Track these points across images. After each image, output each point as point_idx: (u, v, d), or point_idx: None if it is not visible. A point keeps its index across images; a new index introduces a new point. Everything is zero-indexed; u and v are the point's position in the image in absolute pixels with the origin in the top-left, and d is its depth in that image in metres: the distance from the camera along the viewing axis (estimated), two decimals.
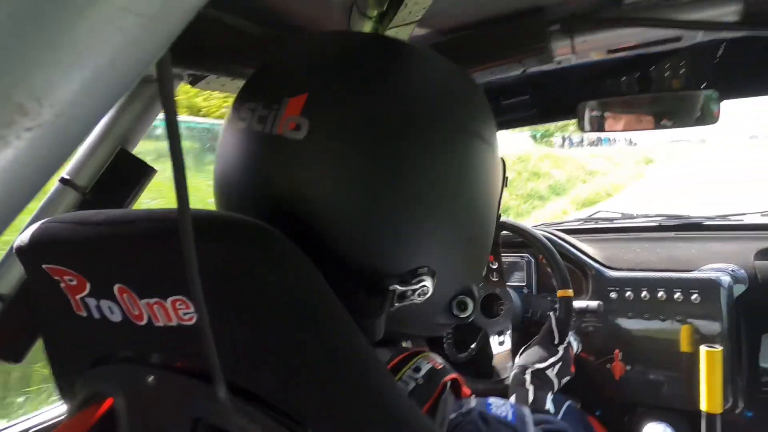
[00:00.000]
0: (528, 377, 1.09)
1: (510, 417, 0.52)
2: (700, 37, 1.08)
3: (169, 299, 0.45)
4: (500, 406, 0.53)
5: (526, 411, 0.55)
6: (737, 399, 1.34)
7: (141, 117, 0.88)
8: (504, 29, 1.07)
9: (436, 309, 0.56)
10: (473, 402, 0.53)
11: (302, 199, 0.49)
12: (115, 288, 0.47)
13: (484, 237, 0.58)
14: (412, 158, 0.49)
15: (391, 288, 0.49)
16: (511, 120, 1.65)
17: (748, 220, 1.67)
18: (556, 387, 1.10)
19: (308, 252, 0.44)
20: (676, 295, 1.38)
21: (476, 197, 0.54)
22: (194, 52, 0.75)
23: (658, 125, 1.34)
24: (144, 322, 0.47)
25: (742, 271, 1.40)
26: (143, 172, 0.90)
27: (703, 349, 1.18)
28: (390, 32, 0.88)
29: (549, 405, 1.06)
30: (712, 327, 1.33)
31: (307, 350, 0.43)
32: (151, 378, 0.49)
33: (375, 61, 0.53)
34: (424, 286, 0.51)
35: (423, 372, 0.51)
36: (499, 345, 1.37)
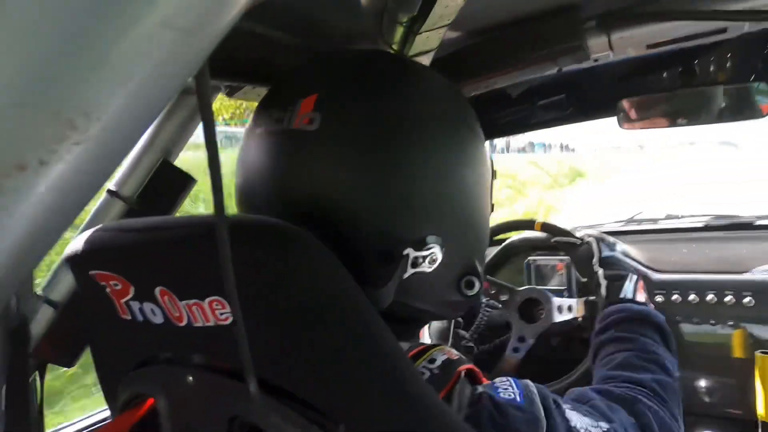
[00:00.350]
0: (599, 271, 1.15)
1: (518, 399, 0.52)
2: (747, 27, 1.03)
3: (207, 300, 0.47)
4: (507, 388, 0.54)
5: (532, 387, 0.55)
6: None
7: (182, 128, 0.91)
8: (537, 28, 1.05)
9: (445, 282, 0.60)
10: (480, 387, 0.54)
11: (320, 183, 0.54)
12: (157, 290, 0.50)
13: (482, 218, 0.63)
14: (414, 143, 0.55)
15: (405, 252, 0.54)
16: (546, 120, 1.62)
17: None
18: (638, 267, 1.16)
19: (329, 231, 0.50)
20: (727, 298, 1.32)
21: (470, 179, 0.59)
22: (230, 63, 0.78)
23: (701, 120, 1.29)
24: (184, 323, 0.49)
25: None
26: (184, 181, 0.93)
27: (758, 355, 1.13)
28: (421, 36, 0.88)
29: (628, 289, 1.06)
30: (766, 331, 1.27)
31: (338, 348, 0.45)
32: (190, 378, 0.51)
33: (379, 67, 0.60)
34: (433, 252, 0.56)
35: (438, 363, 0.53)
36: (513, 352, 1.34)
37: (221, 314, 0.47)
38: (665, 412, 0.72)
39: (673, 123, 1.31)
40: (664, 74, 1.38)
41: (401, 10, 0.80)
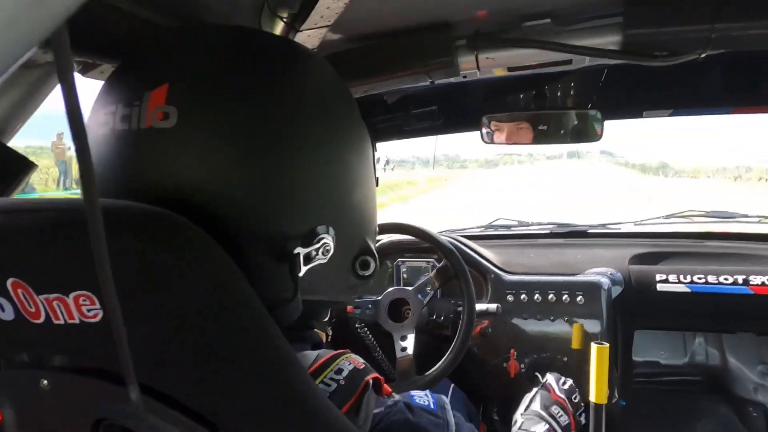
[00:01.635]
0: (519, 422, 1.16)
1: (432, 406, 0.55)
2: (588, 61, 1.19)
3: (72, 295, 0.41)
4: (422, 397, 0.56)
5: (445, 399, 0.58)
6: (613, 389, 1.48)
7: (19, 107, 0.79)
8: (413, 41, 1.10)
9: (342, 268, 0.58)
10: (397, 395, 0.55)
11: (185, 188, 0.48)
12: (9, 282, 0.42)
13: (369, 198, 0.60)
14: (288, 129, 0.50)
15: (295, 251, 0.50)
16: (419, 129, 1.70)
17: (624, 228, 1.86)
18: (550, 421, 1.16)
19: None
20: (564, 297, 1.50)
21: (354, 163, 0.56)
22: (89, 37, 0.69)
23: (549, 140, 1.45)
24: (41, 320, 0.43)
25: (619, 274, 1.56)
26: (21, 166, 0.81)
27: (594, 346, 1.30)
28: (301, 35, 0.87)
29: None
30: (594, 325, 1.47)
31: (226, 350, 0.42)
32: (44, 382, 0.45)
33: (235, 47, 0.53)
34: (325, 242, 0.52)
35: (345, 373, 0.52)
36: (402, 351, 1.40)
37: (88, 311, 0.41)
38: None
39: (526, 140, 1.45)
40: (521, 96, 1.54)
41: (282, 4, 0.78)
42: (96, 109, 0.52)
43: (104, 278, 0.29)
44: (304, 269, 0.51)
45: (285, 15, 0.81)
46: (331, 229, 0.53)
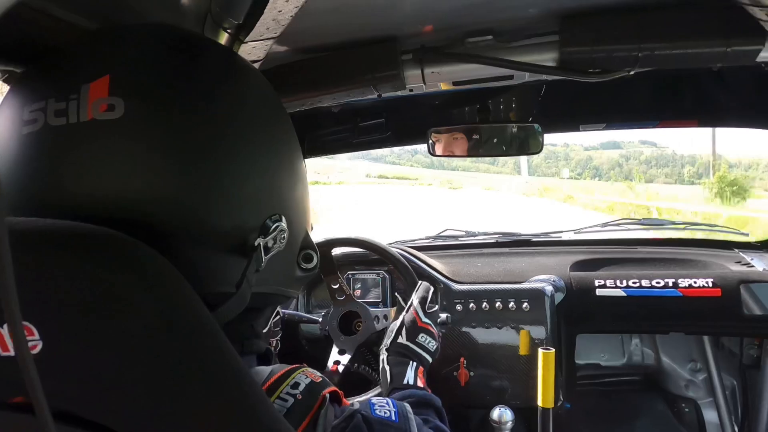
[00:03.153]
0: (384, 357, 1.12)
1: (393, 417, 0.54)
2: (528, 77, 1.24)
3: (5, 326, 0.38)
4: (383, 406, 0.55)
5: (408, 408, 0.57)
6: (559, 393, 1.53)
7: None
8: (360, 54, 1.11)
9: (289, 260, 0.59)
10: (356, 404, 0.54)
11: (128, 186, 0.46)
12: None
13: (307, 195, 0.62)
14: (228, 131, 0.50)
15: (256, 243, 0.51)
16: (367, 141, 1.72)
17: (565, 237, 1.94)
18: (419, 352, 1.12)
19: (156, 239, 0.43)
20: (510, 305, 1.54)
21: (291, 162, 0.58)
22: (15, 45, 0.65)
23: (493, 152, 1.50)
24: None
25: (561, 281, 1.62)
26: None
27: (540, 352, 1.33)
28: (246, 46, 0.86)
29: (410, 376, 1.06)
30: (539, 331, 1.52)
31: (180, 375, 0.40)
32: None
33: (175, 48, 0.52)
34: (281, 229, 0.53)
35: (302, 387, 0.51)
36: (334, 363, 1.38)
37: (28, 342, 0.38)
38: None
39: (471, 153, 1.49)
40: (466, 109, 1.58)
41: (226, 15, 0.77)
42: (12, 109, 0.49)
43: (9, 303, 0.27)
44: (265, 259, 0.52)
45: (228, 25, 0.79)
46: (283, 218, 0.54)
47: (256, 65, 0.93)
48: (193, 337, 0.41)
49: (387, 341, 1.15)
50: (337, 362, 1.40)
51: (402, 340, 1.13)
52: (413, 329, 1.15)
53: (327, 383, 0.54)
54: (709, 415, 1.85)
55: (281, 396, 0.50)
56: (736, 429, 1.80)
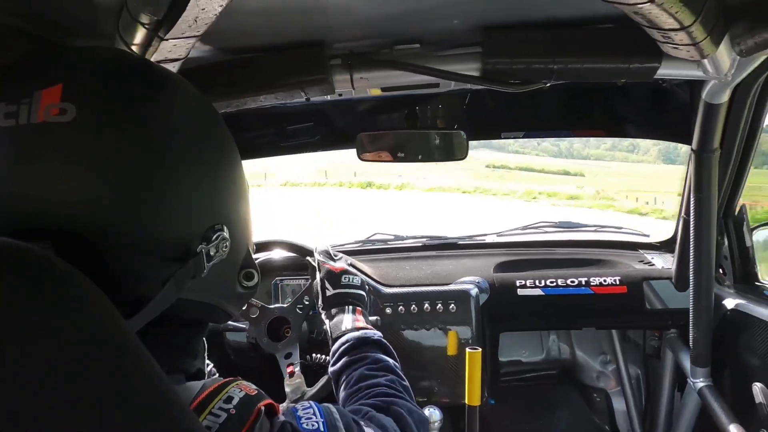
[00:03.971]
0: (324, 318, 1.15)
1: (322, 428, 0.54)
2: (453, 85, 1.28)
3: None
4: (310, 418, 0.54)
5: (335, 413, 0.57)
6: (484, 390, 1.59)
7: None
8: (289, 57, 1.10)
9: (230, 275, 0.60)
10: (281, 416, 0.53)
11: (71, 192, 0.47)
12: None
13: (248, 209, 0.63)
14: (169, 133, 0.52)
15: (198, 249, 0.52)
16: (295, 145, 1.69)
17: (488, 239, 2.02)
18: (348, 293, 1.15)
19: (100, 249, 0.45)
20: (438, 306, 1.58)
21: (230, 172, 0.59)
22: None
23: (421, 158, 1.53)
24: None
25: (486, 282, 1.69)
26: None
27: (468, 351, 1.37)
28: (167, 44, 0.82)
29: (346, 322, 1.08)
30: (465, 331, 1.57)
31: (106, 399, 0.38)
32: None
33: (130, 68, 0.55)
34: (223, 238, 0.54)
35: (235, 401, 0.50)
36: (290, 376, 1.36)
37: None
38: (406, 398, 0.82)
39: (399, 158, 1.51)
40: (394, 115, 1.60)
41: (143, 10, 0.73)
42: None
43: None
44: (207, 266, 0.53)
45: (147, 21, 0.75)
46: (225, 228, 0.55)
47: (177, 64, 0.89)
48: (113, 361, 0.40)
49: (319, 302, 1.18)
50: (290, 364, 1.38)
51: (330, 292, 1.16)
52: (332, 277, 1.19)
53: (262, 396, 0.53)
54: (618, 403, 2.00)
55: (213, 411, 0.49)
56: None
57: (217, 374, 0.62)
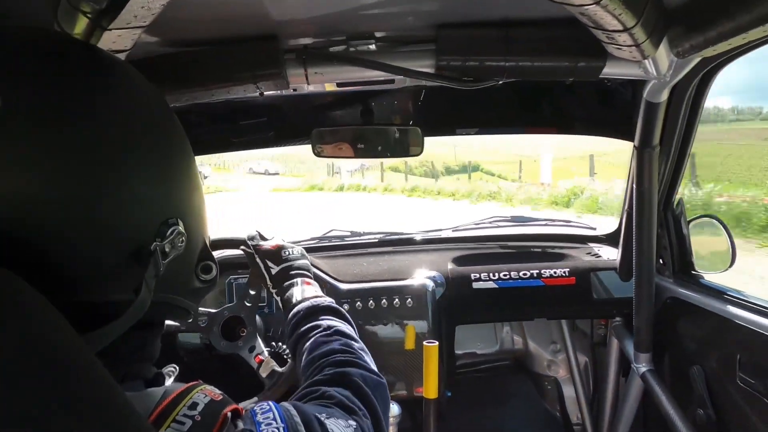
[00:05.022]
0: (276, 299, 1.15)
1: (282, 430, 0.52)
2: (408, 82, 1.29)
3: None
4: (270, 423, 0.52)
5: (295, 416, 0.55)
6: (440, 382, 1.61)
7: None
8: (241, 50, 1.07)
9: (187, 269, 0.58)
10: (241, 423, 0.50)
11: (11, 185, 0.43)
12: None
13: (203, 201, 0.61)
14: (112, 123, 0.49)
15: (152, 247, 0.50)
16: (249, 141, 1.66)
17: (444, 234, 2.05)
18: (291, 266, 1.15)
19: (44, 250, 0.42)
20: (395, 301, 1.59)
21: (182, 165, 0.56)
22: None
23: (377, 154, 1.53)
24: None
25: (441, 276, 1.71)
26: None
27: (424, 345, 1.39)
28: (111, 34, 0.78)
29: (296, 295, 1.08)
30: (422, 325, 1.58)
31: (51, 413, 0.36)
32: None
33: (36, 58, 0.50)
34: (179, 232, 0.52)
35: (200, 407, 0.48)
36: (260, 365, 1.35)
37: None
38: (361, 364, 0.82)
39: (355, 154, 1.51)
40: (350, 110, 1.60)
41: None
42: None
43: None
44: (164, 264, 0.51)
45: (88, 10, 0.71)
46: (180, 221, 0.53)
47: (122, 56, 0.85)
48: (60, 372, 0.37)
49: (269, 284, 1.17)
50: (257, 356, 1.37)
51: (274, 270, 1.15)
52: (271, 255, 1.18)
53: (228, 401, 0.51)
54: (568, 390, 2.08)
55: (177, 419, 0.46)
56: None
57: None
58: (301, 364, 0.90)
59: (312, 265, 1.63)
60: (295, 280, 1.12)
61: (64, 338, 0.38)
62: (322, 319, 0.96)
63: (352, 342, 0.89)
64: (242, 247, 1.25)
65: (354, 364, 0.81)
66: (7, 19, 0.78)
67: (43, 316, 0.38)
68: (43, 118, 0.45)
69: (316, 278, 1.57)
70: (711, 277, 1.52)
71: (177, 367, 0.61)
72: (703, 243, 1.54)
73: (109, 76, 0.51)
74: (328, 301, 1.04)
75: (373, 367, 0.84)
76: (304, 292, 1.08)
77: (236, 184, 23.66)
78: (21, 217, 0.43)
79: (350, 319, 1.00)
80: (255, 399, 1.28)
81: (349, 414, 0.65)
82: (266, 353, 1.38)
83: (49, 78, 0.47)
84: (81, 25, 0.73)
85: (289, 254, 1.17)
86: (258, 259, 1.19)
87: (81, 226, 0.46)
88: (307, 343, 0.91)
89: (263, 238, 1.22)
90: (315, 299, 1.04)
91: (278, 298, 1.13)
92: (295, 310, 1.02)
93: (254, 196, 18.82)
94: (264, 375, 1.33)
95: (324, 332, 0.92)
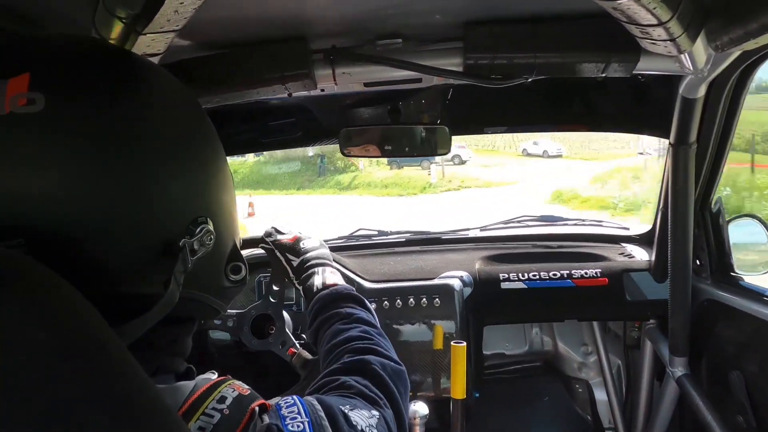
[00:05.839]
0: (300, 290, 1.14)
1: (307, 428, 0.52)
2: (435, 80, 1.28)
3: None
4: (295, 417, 0.53)
5: (319, 410, 0.55)
6: (468, 383, 1.60)
7: None
8: (270, 52, 1.08)
9: (216, 269, 0.59)
10: (266, 418, 0.51)
11: (42, 186, 0.45)
12: None
13: (234, 203, 0.63)
14: (146, 123, 0.51)
15: (181, 243, 0.51)
16: (277, 141, 1.68)
17: (471, 234, 2.04)
18: (310, 257, 1.14)
19: (77, 244, 0.44)
20: (422, 301, 1.59)
21: (214, 165, 0.58)
22: None
23: (405, 153, 1.53)
24: None
25: (469, 276, 1.70)
26: None
27: (453, 345, 1.38)
28: (146, 37, 0.80)
29: (317, 284, 1.07)
30: (450, 325, 1.58)
31: (82, 407, 0.36)
32: None
33: (105, 58, 0.54)
34: (208, 230, 0.53)
35: (229, 401, 0.49)
36: (293, 357, 1.35)
37: None
38: (379, 351, 0.82)
39: (383, 153, 1.51)
40: (378, 110, 1.60)
41: (120, 3, 0.71)
42: None
43: None
44: (192, 260, 0.52)
45: (124, 15, 0.74)
46: (209, 220, 0.54)
47: (156, 59, 0.88)
48: (92, 367, 0.38)
49: (291, 277, 1.17)
50: (290, 348, 1.37)
51: (295, 262, 1.15)
52: (290, 249, 1.17)
53: (255, 396, 0.52)
54: (599, 393, 2.04)
55: (206, 412, 0.48)
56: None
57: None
58: (321, 352, 0.90)
59: (339, 264, 1.65)
60: (316, 269, 1.11)
61: (99, 332, 0.40)
62: (342, 307, 0.96)
63: (371, 329, 0.89)
64: (261, 244, 1.27)
65: (373, 351, 0.81)
66: (49, 24, 0.81)
67: (78, 309, 0.39)
68: (81, 121, 0.47)
69: (345, 278, 1.59)
70: (751, 279, 1.46)
71: (216, 373, 0.62)
72: (743, 243, 1.49)
73: (142, 81, 0.53)
74: (348, 288, 1.04)
75: (393, 353, 0.84)
76: (326, 280, 1.08)
77: (507, 174, 18.71)
78: (57, 213, 0.45)
79: (370, 306, 1.00)
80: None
81: (371, 404, 0.65)
82: (298, 345, 1.39)
83: (87, 83, 0.49)
84: (117, 30, 0.75)
85: (307, 244, 1.17)
86: (278, 254, 1.20)
87: (114, 222, 0.47)
88: (327, 331, 0.91)
89: (280, 233, 1.23)
90: (335, 287, 1.04)
91: (301, 288, 1.14)
92: (315, 298, 1.03)
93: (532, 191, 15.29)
94: (298, 366, 1.34)
95: (344, 320, 0.92)
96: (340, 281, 1.08)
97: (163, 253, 0.50)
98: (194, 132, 0.56)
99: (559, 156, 20.74)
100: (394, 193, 18.78)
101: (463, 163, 20.42)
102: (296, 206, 15.45)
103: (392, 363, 0.79)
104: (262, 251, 1.41)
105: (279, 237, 1.22)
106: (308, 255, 1.14)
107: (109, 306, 0.43)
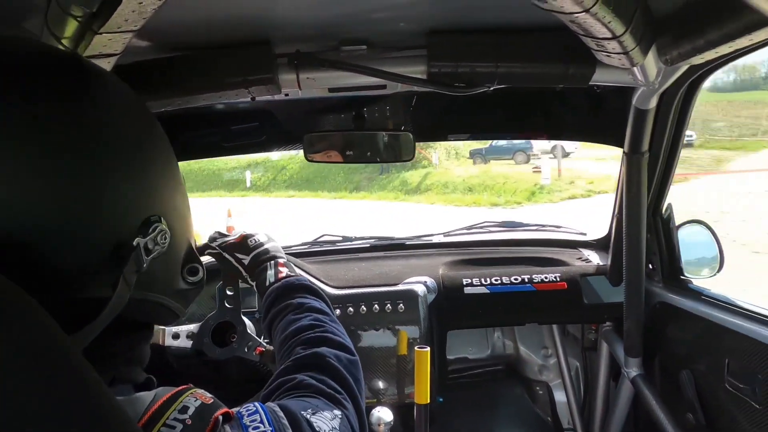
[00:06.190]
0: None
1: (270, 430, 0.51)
2: (400, 87, 1.29)
3: None
4: (257, 427, 0.52)
5: (282, 418, 0.54)
6: (432, 388, 1.61)
7: None
8: (233, 55, 1.07)
9: (173, 269, 0.58)
10: (228, 428, 0.50)
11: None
12: None
13: (187, 205, 0.62)
14: (92, 125, 0.50)
15: (135, 242, 0.50)
16: (239, 145, 1.65)
17: (435, 239, 2.05)
18: (260, 252, 1.12)
19: (27, 250, 0.43)
20: (386, 306, 1.59)
21: (164, 165, 0.57)
22: None
23: (368, 159, 1.53)
24: None
25: (433, 281, 1.71)
26: None
27: (416, 350, 1.38)
28: (102, 37, 0.77)
29: (270, 277, 1.06)
30: (414, 331, 1.58)
31: (37, 423, 0.35)
32: None
33: (49, 62, 0.52)
34: (161, 229, 0.53)
35: (191, 410, 0.48)
36: (257, 349, 1.33)
37: None
38: (331, 339, 0.81)
39: (345, 159, 1.51)
40: (342, 116, 1.60)
41: (75, 1, 0.69)
42: None
43: None
44: (147, 260, 0.51)
45: (79, 13, 0.71)
46: (163, 219, 0.53)
47: (112, 59, 0.85)
48: (51, 376, 0.37)
49: (245, 276, 1.15)
50: (257, 348, 1.34)
51: (246, 260, 1.13)
52: (239, 247, 1.15)
53: (218, 405, 0.50)
54: (559, 395, 2.09)
55: (167, 423, 0.46)
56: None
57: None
58: (275, 344, 0.89)
59: (301, 269, 1.63)
60: (267, 263, 1.10)
61: (55, 340, 0.38)
62: (294, 297, 0.96)
63: (323, 316, 0.89)
64: (207, 251, 1.24)
65: (325, 341, 0.80)
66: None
67: (34, 317, 0.38)
68: (28, 127, 0.46)
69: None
70: (699, 282, 1.54)
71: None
72: (692, 248, 1.56)
73: (91, 86, 0.52)
74: (300, 279, 1.03)
75: (347, 340, 0.83)
76: (277, 275, 1.07)
77: None
78: (5, 219, 0.43)
79: (324, 296, 1.00)
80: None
81: (333, 403, 0.65)
82: (264, 342, 1.36)
83: (35, 89, 0.48)
84: (71, 28, 0.73)
85: (255, 241, 1.15)
86: (227, 256, 1.18)
87: (64, 226, 0.46)
88: (280, 324, 0.90)
89: (224, 236, 1.21)
90: (287, 279, 1.03)
91: (254, 285, 1.12)
92: (267, 292, 1.02)
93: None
94: (269, 362, 1.31)
95: (295, 310, 0.91)
96: (293, 272, 1.07)
97: (115, 255, 0.49)
98: (143, 136, 0.55)
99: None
100: (484, 201, 13.79)
101: (566, 155, 15.67)
102: (335, 218, 12.04)
103: (346, 354, 0.79)
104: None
105: (225, 239, 1.19)
106: (259, 250, 1.12)
107: (61, 312, 0.41)
